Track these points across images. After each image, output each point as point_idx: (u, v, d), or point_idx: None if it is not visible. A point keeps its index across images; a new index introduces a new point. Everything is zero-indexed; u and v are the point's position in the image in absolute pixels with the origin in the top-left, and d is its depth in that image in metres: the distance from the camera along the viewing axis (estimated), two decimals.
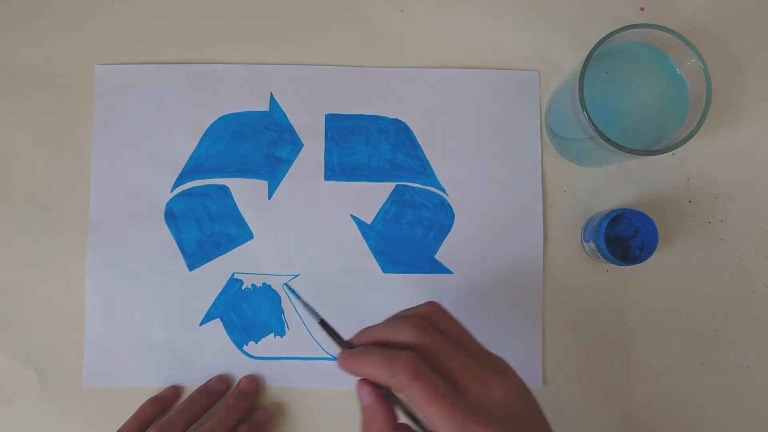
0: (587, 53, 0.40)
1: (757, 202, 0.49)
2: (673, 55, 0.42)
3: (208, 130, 0.49)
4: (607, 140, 0.39)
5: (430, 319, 0.36)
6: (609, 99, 0.43)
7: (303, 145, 0.49)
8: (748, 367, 0.48)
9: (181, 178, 0.49)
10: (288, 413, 0.48)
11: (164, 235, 0.49)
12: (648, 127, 0.43)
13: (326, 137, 0.49)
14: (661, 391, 0.48)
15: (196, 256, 0.49)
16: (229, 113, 0.49)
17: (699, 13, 0.50)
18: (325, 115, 0.49)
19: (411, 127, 0.49)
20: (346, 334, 0.36)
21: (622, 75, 0.43)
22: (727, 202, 0.49)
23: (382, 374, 0.33)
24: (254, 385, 0.47)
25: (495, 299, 0.48)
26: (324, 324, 0.37)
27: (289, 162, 0.49)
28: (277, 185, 0.49)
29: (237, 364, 0.48)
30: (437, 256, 0.49)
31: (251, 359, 0.48)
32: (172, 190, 0.49)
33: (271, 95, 0.49)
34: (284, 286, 0.46)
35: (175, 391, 0.48)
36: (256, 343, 0.48)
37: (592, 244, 0.46)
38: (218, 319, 0.48)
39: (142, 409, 0.46)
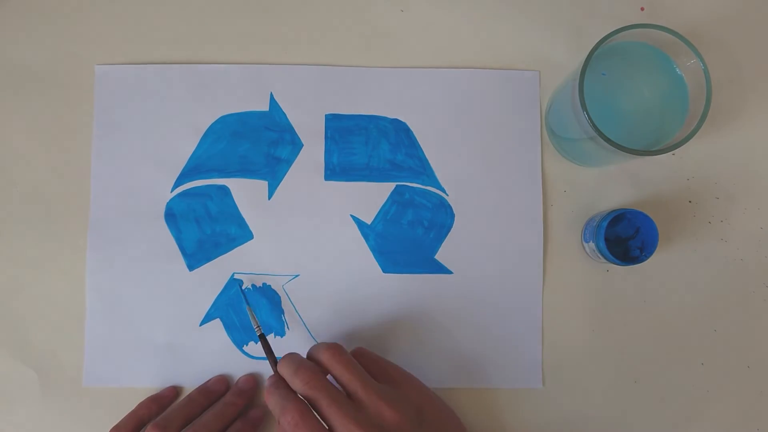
0: (587, 53, 0.40)
1: (757, 202, 0.49)
2: (673, 55, 0.42)
3: (208, 130, 0.49)
4: (607, 140, 0.39)
5: (324, 366, 0.40)
6: (609, 99, 0.43)
7: (303, 145, 0.49)
8: (748, 367, 0.48)
9: (181, 178, 0.49)
10: None
11: (164, 235, 0.49)
12: (648, 127, 0.43)
13: (326, 137, 0.49)
14: (661, 391, 0.48)
15: (196, 256, 0.49)
16: (229, 113, 0.49)
17: (699, 13, 0.50)
18: (325, 115, 0.49)
19: (411, 127, 0.49)
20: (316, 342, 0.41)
21: (622, 75, 0.43)
22: (727, 202, 0.49)
23: (274, 411, 0.39)
24: (253, 383, 0.47)
25: (495, 299, 0.48)
26: (263, 338, 0.44)
27: (289, 162, 0.49)
28: (277, 185, 0.49)
29: (237, 364, 0.48)
30: (437, 256, 0.49)
31: (251, 359, 0.48)
32: (172, 190, 0.49)
33: (271, 95, 0.49)
34: (239, 286, 0.48)
35: (175, 391, 0.48)
36: (256, 343, 0.48)
37: (592, 244, 0.46)
38: (218, 319, 0.48)
39: (139, 407, 0.46)
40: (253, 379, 0.47)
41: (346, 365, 0.40)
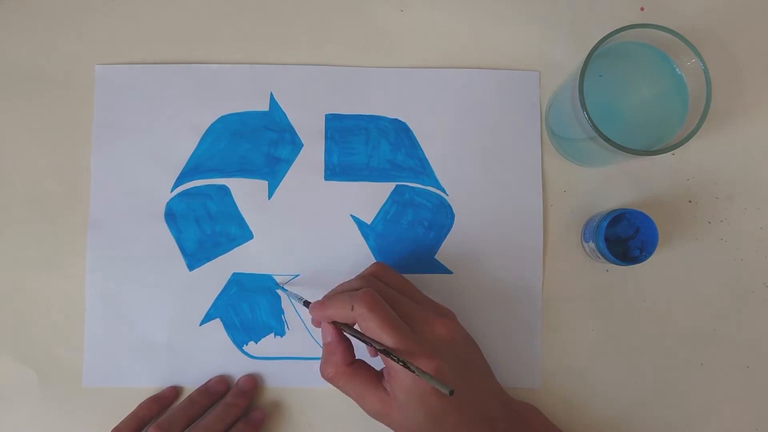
0: (587, 53, 0.40)
1: (757, 202, 0.49)
2: (673, 55, 0.42)
3: (208, 130, 0.49)
4: (607, 140, 0.39)
5: (376, 274, 0.42)
6: (609, 99, 0.43)
7: (303, 145, 0.49)
8: (748, 367, 0.48)
9: (181, 178, 0.49)
10: (287, 413, 0.48)
11: (164, 235, 0.49)
12: (648, 127, 0.43)
13: (326, 137, 0.49)
14: (662, 392, 0.48)
15: (196, 256, 0.49)
16: (229, 113, 0.49)
17: (699, 13, 0.50)
18: (325, 115, 0.49)
19: (411, 127, 0.49)
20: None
21: (622, 75, 0.43)
22: (727, 202, 0.49)
23: (344, 310, 0.39)
24: (253, 384, 0.47)
25: (495, 299, 0.48)
26: (307, 304, 0.44)
27: (289, 162, 0.49)
28: (277, 185, 0.49)
29: (237, 364, 0.48)
30: (437, 256, 0.49)
31: (251, 359, 0.48)
32: (172, 190, 0.49)
33: (271, 95, 0.49)
34: (277, 288, 0.47)
35: (175, 391, 0.48)
36: (256, 343, 0.48)
37: (592, 244, 0.46)
38: (218, 319, 0.48)
39: (140, 407, 0.46)
40: (254, 379, 0.47)
41: (400, 275, 0.43)
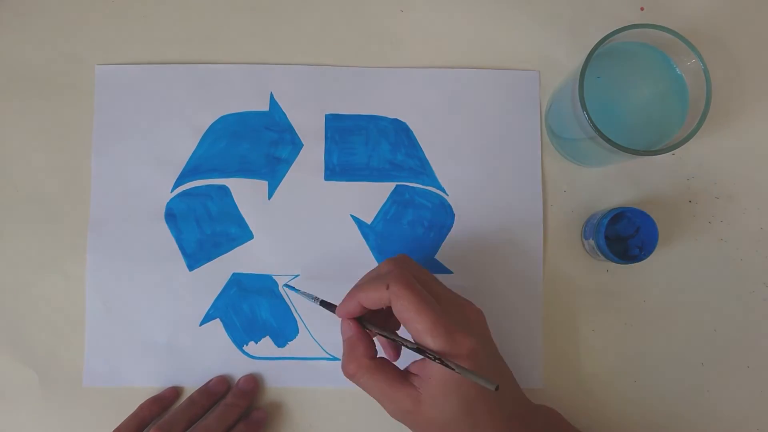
0: (587, 53, 0.40)
1: (757, 202, 0.49)
2: (673, 55, 0.42)
3: (208, 130, 0.49)
4: (607, 140, 0.39)
5: (404, 259, 0.41)
6: (609, 99, 0.43)
7: (303, 145, 0.49)
8: (748, 367, 0.48)
9: (182, 178, 0.49)
10: (288, 413, 0.48)
11: (164, 235, 0.49)
12: (648, 127, 0.43)
13: (326, 137, 0.49)
14: (661, 391, 0.48)
15: (196, 256, 0.49)
16: (229, 113, 0.49)
17: (699, 13, 0.50)
18: (325, 115, 0.49)
19: (411, 127, 0.49)
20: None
21: (622, 75, 0.43)
22: (727, 202, 0.49)
23: (377, 291, 0.37)
24: (253, 384, 0.47)
25: (495, 299, 0.48)
26: (324, 303, 0.43)
27: (289, 162, 0.49)
28: (277, 185, 0.49)
29: (237, 365, 0.48)
30: (437, 256, 0.49)
31: (251, 359, 0.48)
32: (172, 190, 0.49)
33: (271, 95, 0.49)
34: (284, 287, 0.47)
35: (175, 391, 0.48)
36: (256, 343, 0.48)
37: (592, 242, 0.46)
38: (218, 319, 0.48)
39: (141, 408, 0.46)
40: (254, 380, 0.47)
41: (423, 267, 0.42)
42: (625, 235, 0.47)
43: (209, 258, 0.49)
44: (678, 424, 0.48)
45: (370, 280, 0.39)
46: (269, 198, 0.49)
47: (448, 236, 0.49)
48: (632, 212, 0.46)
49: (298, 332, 0.48)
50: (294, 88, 0.49)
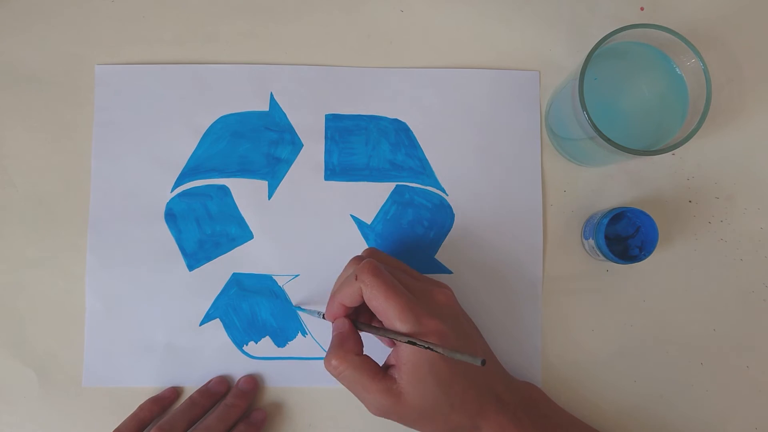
0: (587, 53, 0.40)
1: (757, 202, 0.49)
2: (673, 55, 0.42)
3: (208, 130, 0.49)
4: (607, 140, 0.39)
5: (372, 254, 0.43)
6: (609, 99, 0.43)
7: (303, 145, 0.49)
8: (747, 367, 0.48)
9: (181, 178, 0.49)
10: (288, 413, 0.48)
11: (164, 235, 0.49)
12: (648, 127, 0.43)
13: (326, 137, 0.49)
14: (661, 391, 0.48)
15: (196, 256, 0.49)
16: (229, 113, 0.49)
17: (699, 13, 0.50)
18: (325, 115, 0.49)
19: (411, 127, 0.49)
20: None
21: (621, 75, 0.43)
22: (727, 202, 0.49)
23: (350, 286, 0.39)
24: (253, 384, 0.47)
25: (495, 299, 0.48)
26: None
27: (289, 162, 0.49)
28: (277, 185, 0.49)
29: (237, 364, 0.48)
30: (437, 256, 0.49)
31: (251, 359, 0.48)
32: (172, 190, 0.49)
33: (271, 95, 0.49)
34: (295, 308, 0.48)
35: (175, 392, 0.48)
36: (256, 343, 0.48)
37: (591, 241, 0.46)
38: (218, 319, 0.48)
39: (141, 408, 0.46)
40: (254, 380, 0.47)
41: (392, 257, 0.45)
42: (625, 235, 0.47)
43: (209, 258, 0.49)
44: (677, 423, 0.48)
45: (344, 279, 0.41)
46: (269, 198, 0.49)
47: (448, 236, 0.49)
48: (632, 212, 0.46)
49: (298, 332, 0.48)
50: (294, 88, 0.49)
